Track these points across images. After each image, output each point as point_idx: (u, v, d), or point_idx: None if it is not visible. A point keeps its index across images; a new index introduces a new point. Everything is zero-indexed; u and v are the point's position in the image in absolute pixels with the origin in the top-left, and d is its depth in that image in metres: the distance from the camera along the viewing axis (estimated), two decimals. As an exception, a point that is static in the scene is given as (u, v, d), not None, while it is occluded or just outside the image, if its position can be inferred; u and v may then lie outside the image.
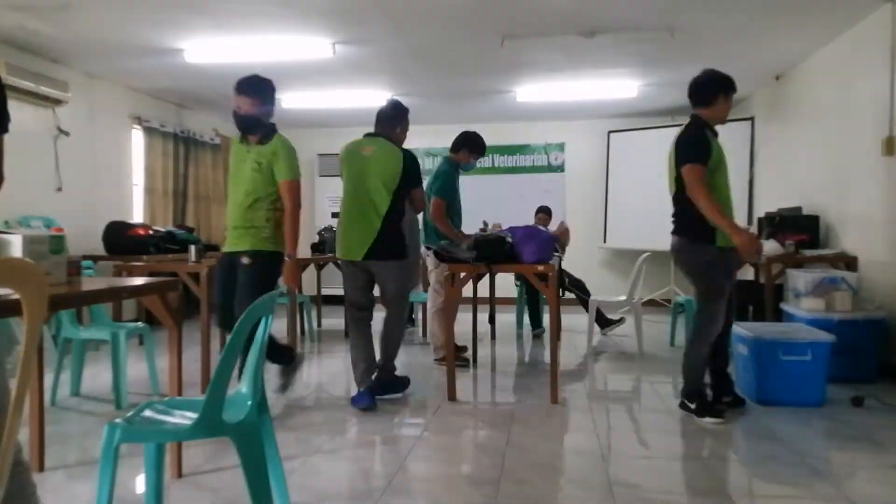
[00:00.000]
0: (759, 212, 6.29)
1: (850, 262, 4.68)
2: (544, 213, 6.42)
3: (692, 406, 3.37)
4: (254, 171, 3.30)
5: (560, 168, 8.67)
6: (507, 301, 6.55)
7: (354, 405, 3.57)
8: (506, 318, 6.26)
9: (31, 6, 4.36)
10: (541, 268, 3.72)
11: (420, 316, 6.13)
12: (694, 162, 3.21)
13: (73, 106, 5.72)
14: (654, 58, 5.65)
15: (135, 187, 6.78)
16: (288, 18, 4.62)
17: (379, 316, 3.74)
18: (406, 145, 3.86)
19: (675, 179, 3.33)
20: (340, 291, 6.57)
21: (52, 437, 2.98)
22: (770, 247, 4.76)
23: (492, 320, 5.38)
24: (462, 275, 3.85)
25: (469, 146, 4.71)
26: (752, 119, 7.00)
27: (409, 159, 3.71)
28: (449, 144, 4.80)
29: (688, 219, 3.29)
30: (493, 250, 3.82)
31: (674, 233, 3.42)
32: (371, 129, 3.88)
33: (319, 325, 6.79)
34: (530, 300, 6.34)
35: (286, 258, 3.35)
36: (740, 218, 5.18)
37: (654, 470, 2.66)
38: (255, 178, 3.30)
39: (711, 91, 3.41)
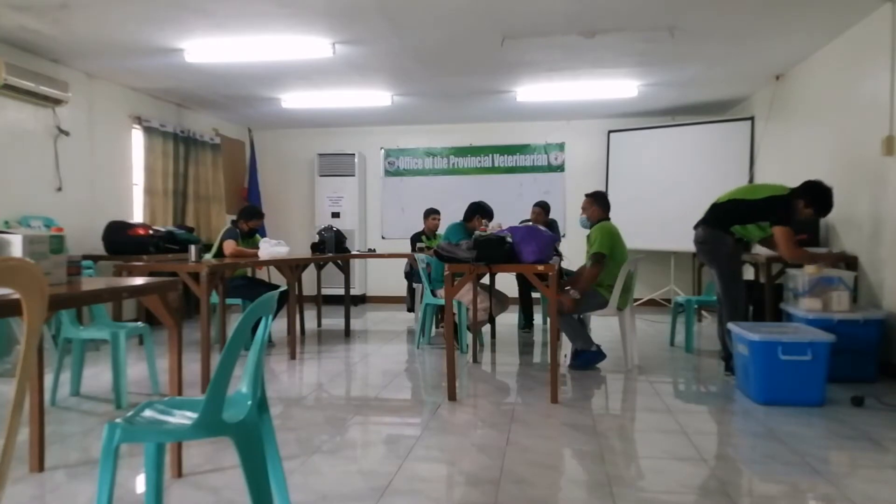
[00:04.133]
0: (759, 212, 6.28)
1: (850, 262, 4.68)
2: (540, 207, 6.30)
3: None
4: None
5: (560, 168, 8.68)
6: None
7: None
8: (506, 317, 6.26)
9: (31, 6, 4.36)
10: (541, 268, 3.72)
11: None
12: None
13: (73, 106, 5.73)
14: (654, 58, 5.65)
15: (135, 187, 6.78)
16: (288, 18, 4.62)
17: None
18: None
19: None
20: (341, 291, 6.65)
21: (52, 437, 2.98)
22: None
23: (492, 319, 5.38)
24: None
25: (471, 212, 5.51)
26: (751, 119, 7.00)
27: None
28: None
29: None
30: (493, 250, 3.82)
31: None
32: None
33: (319, 324, 6.80)
34: (522, 298, 6.34)
35: None
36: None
37: (654, 470, 2.66)
38: None
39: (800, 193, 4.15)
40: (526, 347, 5.59)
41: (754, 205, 4.16)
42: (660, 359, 5.01)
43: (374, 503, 2.33)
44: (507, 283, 5.88)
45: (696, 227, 4.40)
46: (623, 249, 4.59)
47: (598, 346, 4.59)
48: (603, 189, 8.18)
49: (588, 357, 4.56)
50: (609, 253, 4.48)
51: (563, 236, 7.55)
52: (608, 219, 4.72)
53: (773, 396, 3.58)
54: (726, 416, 3.50)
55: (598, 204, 4.73)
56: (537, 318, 6.56)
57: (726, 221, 4.23)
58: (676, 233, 7.19)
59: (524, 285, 6.26)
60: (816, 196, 4.11)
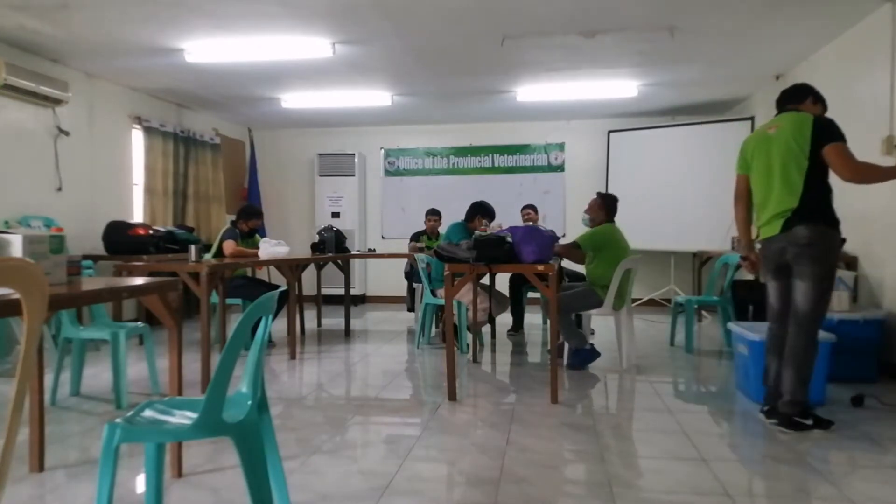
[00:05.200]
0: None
1: (850, 262, 4.68)
2: (531, 209, 6.52)
3: (808, 422, 3.09)
4: None
5: (560, 168, 8.68)
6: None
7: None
8: (506, 317, 6.25)
9: (31, 6, 4.36)
10: (541, 268, 3.72)
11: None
12: (839, 140, 3.12)
13: (73, 106, 5.73)
14: (654, 58, 5.65)
15: (135, 187, 6.78)
16: (288, 18, 4.62)
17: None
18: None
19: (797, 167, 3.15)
20: (341, 291, 6.65)
21: (52, 437, 2.98)
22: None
23: (492, 319, 5.38)
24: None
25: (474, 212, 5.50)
26: (752, 119, 7.00)
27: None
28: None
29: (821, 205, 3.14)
30: (493, 250, 3.82)
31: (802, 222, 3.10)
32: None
33: (319, 324, 6.80)
34: (514, 300, 6.32)
35: None
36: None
37: (654, 470, 2.66)
38: None
39: (803, 92, 3.45)
40: (525, 347, 5.59)
41: (812, 162, 3.14)
42: (660, 359, 5.01)
43: (374, 503, 2.33)
44: (507, 283, 5.88)
45: (789, 227, 3.14)
46: (618, 252, 4.58)
47: (591, 345, 4.61)
48: (605, 190, 8.21)
49: (584, 355, 4.57)
50: (591, 249, 4.64)
51: (563, 236, 7.55)
52: (611, 222, 4.74)
53: (773, 396, 3.58)
54: (726, 416, 3.50)
55: (604, 207, 4.77)
56: (537, 319, 6.56)
57: (826, 205, 3.15)
58: (676, 233, 7.20)
59: (516, 289, 6.20)
60: (814, 91, 3.48)
